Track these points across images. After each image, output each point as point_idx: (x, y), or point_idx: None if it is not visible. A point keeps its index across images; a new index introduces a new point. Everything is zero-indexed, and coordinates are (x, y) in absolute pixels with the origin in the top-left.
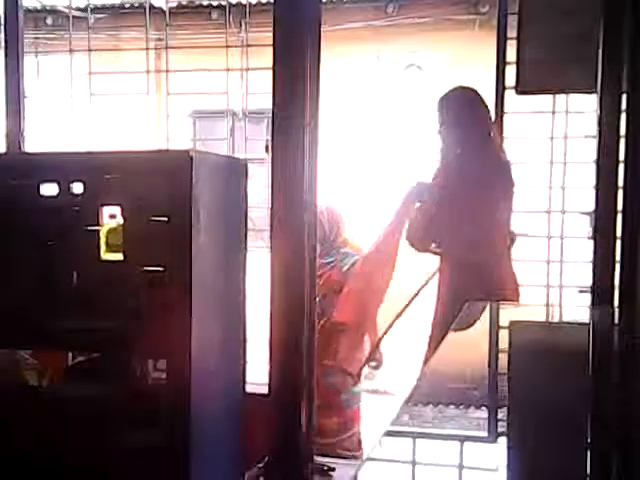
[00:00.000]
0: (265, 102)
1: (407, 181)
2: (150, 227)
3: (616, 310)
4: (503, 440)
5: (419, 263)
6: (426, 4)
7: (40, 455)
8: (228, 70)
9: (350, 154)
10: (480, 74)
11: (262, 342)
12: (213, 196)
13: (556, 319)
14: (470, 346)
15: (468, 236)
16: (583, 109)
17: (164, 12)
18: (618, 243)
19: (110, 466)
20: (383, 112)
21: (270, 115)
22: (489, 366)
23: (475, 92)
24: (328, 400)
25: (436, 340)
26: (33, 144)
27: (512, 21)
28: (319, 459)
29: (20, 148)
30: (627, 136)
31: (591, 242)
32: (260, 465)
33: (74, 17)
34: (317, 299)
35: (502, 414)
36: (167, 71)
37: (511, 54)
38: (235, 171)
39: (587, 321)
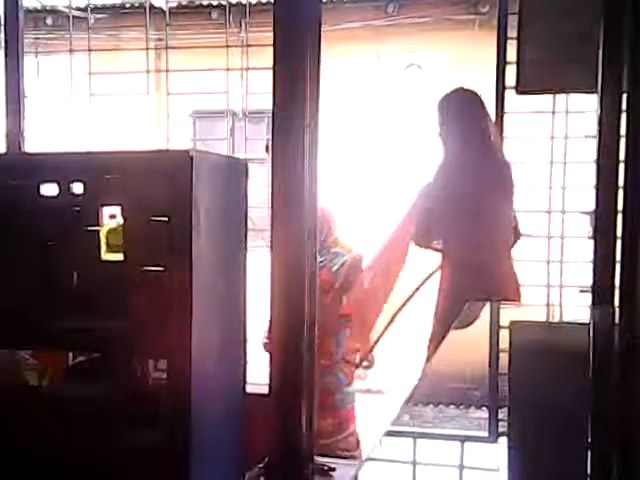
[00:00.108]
0: (265, 102)
1: (414, 182)
2: (150, 227)
3: (616, 310)
4: (504, 440)
5: (417, 263)
6: (426, 4)
7: (40, 455)
8: (228, 70)
9: (350, 154)
10: (480, 74)
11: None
12: (213, 196)
13: (556, 319)
14: (470, 346)
15: (468, 235)
16: (583, 109)
17: (164, 12)
18: (618, 243)
19: (110, 466)
20: (383, 112)
21: (270, 115)
22: (489, 366)
23: (475, 93)
24: (322, 401)
25: (437, 338)
26: (33, 144)
27: (512, 21)
28: (319, 459)
29: (20, 148)
30: (627, 136)
31: (591, 242)
32: (260, 465)
33: (74, 17)
34: None
35: (503, 414)
36: (167, 71)
37: (511, 54)
38: (235, 171)
39: (587, 321)
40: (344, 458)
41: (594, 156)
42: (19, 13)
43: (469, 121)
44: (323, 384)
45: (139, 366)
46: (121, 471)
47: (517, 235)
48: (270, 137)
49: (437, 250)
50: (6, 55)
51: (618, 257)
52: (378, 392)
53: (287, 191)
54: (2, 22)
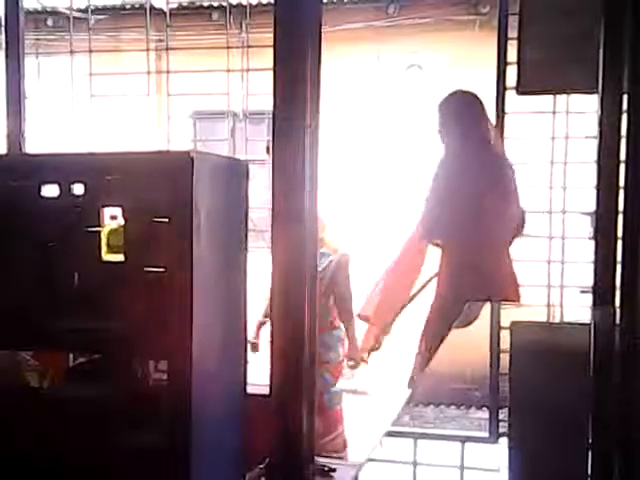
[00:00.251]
0: (266, 103)
1: (414, 182)
2: (151, 228)
3: (617, 310)
4: (504, 440)
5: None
6: (427, 5)
7: (41, 456)
8: (229, 71)
9: (350, 155)
10: (481, 74)
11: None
12: (214, 197)
13: (557, 319)
14: (471, 346)
15: (467, 235)
16: (584, 109)
17: (164, 13)
18: (619, 243)
19: (111, 467)
20: (384, 113)
21: (270, 116)
22: (490, 366)
23: (474, 95)
24: None
25: (435, 338)
26: (34, 145)
27: (512, 21)
28: (320, 460)
29: (21, 149)
30: (628, 136)
31: (592, 242)
32: (261, 466)
33: (75, 18)
34: None
35: (503, 415)
36: (168, 72)
37: (512, 54)
38: (236, 172)
39: (588, 321)
40: (332, 459)
41: (595, 156)
42: (20, 14)
43: (468, 123)
44: None
45: (140, 367)
46: (122, 472)
47: (521, 228)
48: (270, 138)
49: (439, 246)
50: (7, 56)
51: (619, 258)
52: (362, 393)
53: (288, 192)
54: (3, 23)
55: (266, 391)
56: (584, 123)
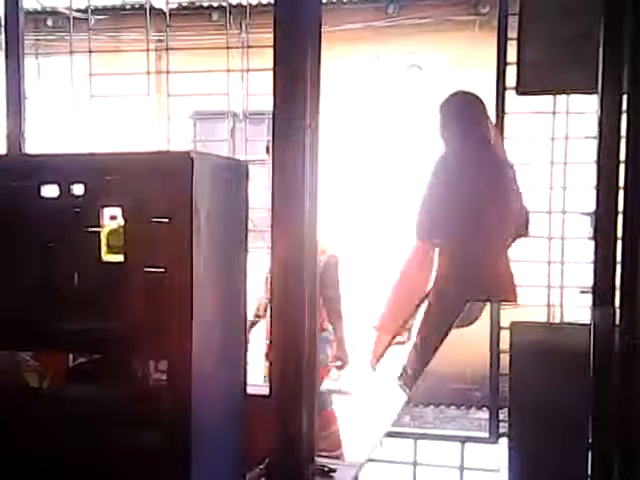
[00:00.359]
0: (265, 103)
1: (414, 182)
2: (151, 228)
3: (617, 311)
4: (504, 441)
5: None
6: (426, 5)
7: (41, 456)
8: (229, 71)
9: (349, 155)
10: (480, 75)
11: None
12: (214, 197)
13: (557, 320)
14: (471, 347)
15: (463, 234)
16: (584, 110)
17: (164, 13)
18: (619, 244)
19: (110, 467)
20: (384, 113)
21: (270, 116)
22: (490, 367)
23: (475, 96)
24: None
25: (429, 337)
26: (34, 145)
27: (512, 22)
28: (320, 460)
29: (21, 149)
30: (628, 136)
31: (592, 243)
32: (261, 466)
33: (74, 18)
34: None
35: (503, 415)
36: (168, 72)
37: (511, 55)
38: (236, 172)
39: (588, 322)
40: (327, 458)
41: (595, 156)
42: (19, 14)
43: (469, 123)
44: None
45: (140, 367)
46: (121, 472)
47: (524, 227)
48: (270, 138)
49: (436, 245)
50: (7, 56)
51: (619, 258)
52: (345, 393)
53: (288, 192)
54: (2, 23)
55: (266, 391)
56: (584, 123)
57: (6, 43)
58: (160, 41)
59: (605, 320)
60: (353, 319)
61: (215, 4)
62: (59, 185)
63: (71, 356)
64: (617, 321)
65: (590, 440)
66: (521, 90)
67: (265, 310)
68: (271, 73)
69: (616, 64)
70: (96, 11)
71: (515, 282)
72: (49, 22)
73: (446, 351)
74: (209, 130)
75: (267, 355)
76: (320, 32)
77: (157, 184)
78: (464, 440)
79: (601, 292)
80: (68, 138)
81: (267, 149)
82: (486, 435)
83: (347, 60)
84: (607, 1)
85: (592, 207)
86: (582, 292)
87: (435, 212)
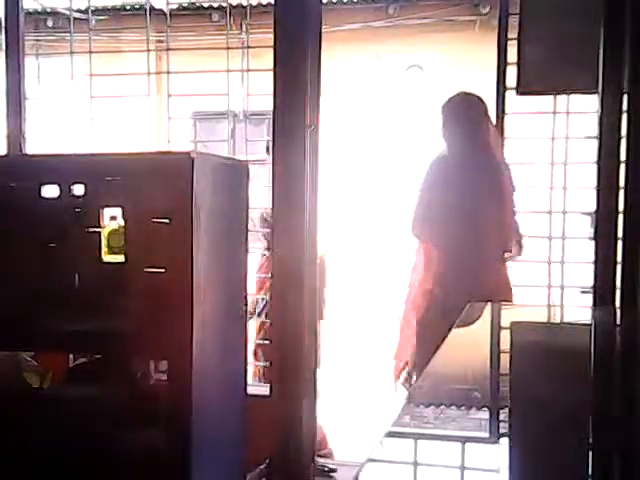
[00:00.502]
0: (266, 104)
1: (414, 182)
2: (151, 229)
3: (617, 310)
4: (505, 441)
5: None
6: (426, 5)
7: (41, 456)
8: (229, 72)
9: (351, 155)
10: (481, 75)
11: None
12: (214, 198)
13: (557, 320)
14: (471, 347)
15: (457, 235)
16: (584, 110)
17: (165, 14)
18: (619, 243)
19: (111, 467)
20: (384, 113)
21: (270, 116)
22: (490, 367)
23: (478, 98)
24: None
25: (427, 338)
26: (34, 146)
27: (513, 22)
28: (320, 460)
29: (21, 150)
30: (628, 136)
31: (592, 243)
32: (261, 466)
33: (75, 19)
34: (264, 299)
35: (504, 415)
36: (168, 73)
37: (512, 55)
38: (236, 172)
39: (588, 322)
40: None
41: (594, 157)
42: (20, 15)
43: (469, 124)
44: None
45: (140, 367)
46: (122, 472)
47: (519, 246)
48: (271, 138)
49: (433, 245)
50: (7, 57)
51: (619, 258)
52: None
53: (288, 192)
54: (3, 24)
55: (266, 391)
56: (584, 123)
57: (6, 43)
58: (160, 41)
59: (606, 320)
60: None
61: (215, 4)
62: (59, 185)
63: (71, 356)
64: (617, 321)
65: (590, 440)
66: (521, 90)
67: (255, 308)
68: (271, 73)
69: (616, 64)
70: (96, 12)
71: (510, 285)
72: (49, 22)
73: (446, 351)
74: (209, 130)
75: (255, 354)
76: (320, 32)
77: (157, 184)
78: (464, 440)
79: (601, 292)
80: (68, 139)
81: (267, 149)
82: (486, 435)
83: (347, 60)
84: (607, 1)
85: (592, 207)
86: (582, 292)
87: (431, 210)
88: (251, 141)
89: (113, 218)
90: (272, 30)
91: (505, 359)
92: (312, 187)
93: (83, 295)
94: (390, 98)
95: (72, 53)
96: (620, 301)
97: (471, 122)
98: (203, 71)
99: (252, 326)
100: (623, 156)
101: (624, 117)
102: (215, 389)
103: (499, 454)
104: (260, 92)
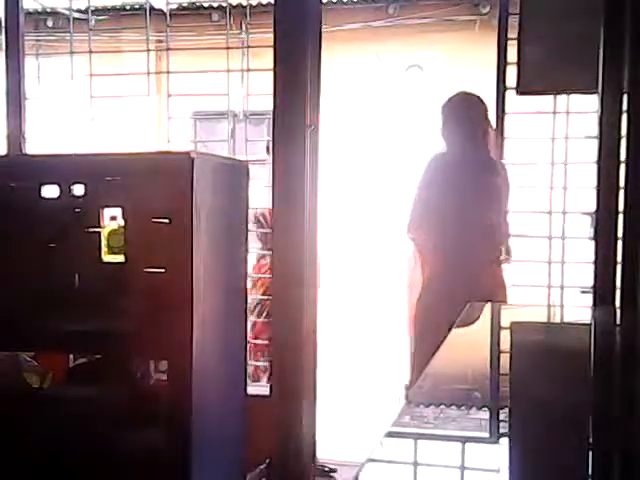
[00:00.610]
0: (265, 103)
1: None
2: (151, 229)
3: (618, 310)
4: (505, 441)
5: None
6: (427, 5)
7: (42, 457)
8: (229, 71)
9: (351, 155)
10: (481, 75)
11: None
12: (214, 197)
13: (557, 320)
14: (471, 347)
15: (446, 235)
16: (584, 109)
17: (164, 14)
18: (619, 243)
19: (111, 467)
20: (384, 113)
21: (270, 116)
22: (491, 367)
23: (477, 97)
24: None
25: (424, 338)
26: (34, 146)
27: (513, 22)
28: (321, 460)
29: (21, 150)
30: (628, 136)
31: (592, 242)
32: (261, 466)
33: (75, 19)
34: (258, 298)
35: (504, 415)
36: (168, 72)
37: (512, 55)
38: (236, 172)
39: (588, 322)
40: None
41: (594, 157)
42: (20, 15)
43: (469, 124)
44: None
45: (140, 367)
46: (122, 472)
47: (508, 249)
48: (271, 138)
49: (423, 246)
50: (7, 57)
51: (619, 258)
52: None
53: (288, 192)
54: (3, 24)
55: (266, 391)
56: (584, 123)
57: (6, 43)
58: (160, 41)
59: (606, 320)
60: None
61: (215, 4)
62: (59, 186)
63: (71, 356)
64: (617, 321)
65: (590, 440)
66: (521, 90)
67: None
68: (271, 73)
69: (616, 64)
70: (96, 11)
71: (505, 287)
72: (49, 22)
73: (446, 351)
74: (209, 130)
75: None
76: (320, 32)
77: (157, 184)
78: (464, 440)
79: (601, 292)
80: (68, 139)
81: (267, 149)
82: (487, 435)
83: (347, 60)
84: (607, 1)
85: (592, 207)
86: (582, 292)
87: (428, 210)
88: (251, 141)
89: (113, 218)
90: (272, 30)
91: (505, 359)
92: (312, 187)
93: (83, 295)
94: (390, 98)
95: (72, 53)
96: (620, 301)
97: (471, 122)
98: (203, 71)
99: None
100: (623, 156)
101: (624, 117)
102: (215, 389)
103: (499, 454)
104: (260, 92)
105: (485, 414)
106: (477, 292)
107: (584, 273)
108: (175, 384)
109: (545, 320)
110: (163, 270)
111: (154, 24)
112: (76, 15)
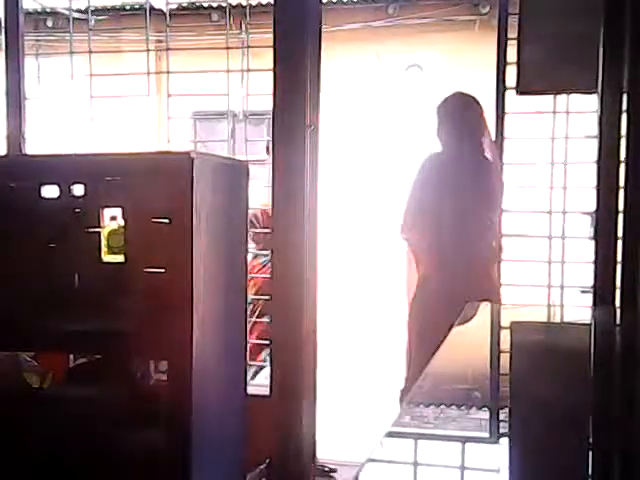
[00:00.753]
0: (265, 103)
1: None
2: (151, 229)
3: (617, 310)
4: (505, 441)
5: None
6: (427, 5)
7: (42, 457)
8: (229, 71)
9: (350, 155)
10: (480, 75)
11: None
12: (214, 197)
13: (557, 320)
14: (471, 347)
15: (444, 236)
16: (584, 109)
17: (164, 14)
18: (619, 243)
19: (111, 467)
20: (384, 113)
21: (270, 116)
22: (490, 367)
23: (472, 98)
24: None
25: (422, 340)
26: (34, 146)
27: (512, 22)
28: (321, 460)
29: (21, 150)
30: (628, 136)
31: (592, 242)
32: (261, 466)
33: (74, 19)
34: (250, 297)
35: (504, 415)
36: (168, 72)
37: (511, 55)
38: (236, 172)
39: (588, 321)
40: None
41: (594, 157)
42: (19, 15)
43: (463, 125)
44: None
45: (140, 368)
46: (122, 472)
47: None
48: (271, 138)
49: (417, 246)
50: (7, 57)
51: (619, 258)
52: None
53: (288, 192)
54: (3, 24)
55: (266, 391)
56: (584, 123)
57: (6, 43)
58: (160, 41)
59: (606, 319)
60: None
61: (215, 4)
62: (59, 186)
63: (72, 356)
64: (617, 321)
65: (590, 440)
66: (521, 90)
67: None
68: (271, 73)
69: (616, 64)
70: (96, 12)
71: (499, 288)
72: (49, 23)
73: (446, 351)
74: (209, 130)
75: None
76: (320, 32)
77: (157, 184)
78: (464, 440)
79: (601, 292)
80: (68, 139)
81: (267, 149)
82: (487, 435)
83: (347, 60)
84: (607, 1)
85: (592, 207)
86: (582, 292)
87: (421, 210)
88: (251, 141)
89: (113, 218)
90: (272, 30)
91: (505, 359)
92: (312, 187)
93: (83, 295)
94: (390, 98)
95: (72, 53)
96: (620, 301)
97: (466, 123)
98: (203, 71)
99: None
100: (623, 156)
101: (624, 117)
102: (215, 389)
103: (499, 454)
104: (260, 92)
105: (485, 414)
106: (471, 291)
107: (584, 273)
108: (175, 384)
109: (545, 320)
110: (163, 270)
111: (154, 24)
112: (76, 15)
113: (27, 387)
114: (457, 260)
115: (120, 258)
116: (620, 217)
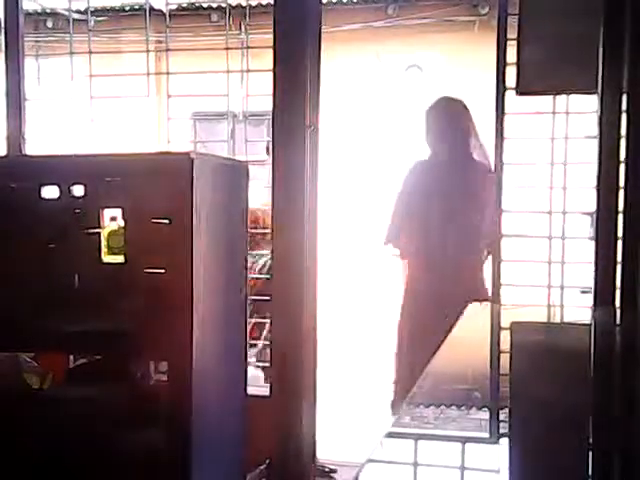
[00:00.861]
0: (265, 104)
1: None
2: (151, 229)
3: (617, 310)
4: (505, 441)
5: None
6: (426, 5)
7: (42, 457)
8: (228, 72)
9: (350, 155)
10: (480, 75)
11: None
12: (214, 198)
13: (557, 320)
14: (471, 347)
15: (432, 242)
16: (584, 109)
17: (164, 14)
18: (619, 243)
19: (111, 468)
20: (384, 113)
21: (270, 117)
22: (490, 367)
23: (460, 103)
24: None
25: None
26: (34, 147)
27: (512, 22)
28: (321, 460)
29: (21, 151)
30: (628, 136)
31: (592, 243)
32: (261, 467)
33: (74, 20)
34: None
35: (504, 415)
36: (167, 73)
37: (511, 55)
38: (236, 173)
39: (588, 322)
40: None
41: (594, 157)
42: (19, 16)
43: (450, 130)
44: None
45: (140, 368)
46: (122, 472)
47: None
48: (270, 139)
49: (404, 250)
50: (7, 57)
51: (619, 258)
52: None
53: (288, 192)
54: (2, 25)
55: (266, 391)
56: (584, 123)
57: (6, 44)
58: (160, 42)
59: (606, 320)
60: None
61: (215, 5)
62: (59, 186)
63: (72, 357)
64: (617, 321)
65: (590, 440)
66: (521, 90)
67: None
68: (271, 73)
69: (616, 64)
70: (96, 12)
71: (486, 287)
72: (49, 23)
73: (446, 351)
74: (209, 131)
75: None
76: (320, 33)
77: (157, 185)
78: (464, 440)
79: (601, 292)
80: (68, 139)
81: (267, 149)
82: (487, 435)
83: (347, 60)
84: (607, 1)
85: (592, 207)
86: (582, 292)
87: (409, 215)
88: (251, 142)
89: (113, 219)
90: (272, 30)
91: (505, 359)
92: (312, 187)
93: (83, 296)
94: (390, 98)
95: (72, 54)
96: (620, 301)
97: (455, 128)
98: (203, 72)
99: None
100: (623, 156)
101: (624, 117)
102: (215, 389)
103: (499, 454)
104: (260, 93)
105: (485, 414)
106: (459, 293)
107: (584, 273)
108: (175, 384)
109: (545, 320)
110: (163, 270)
111: (154, 25)
112: (76, 16)
113: (27, 388)
114: (445, 262)
115: (120, 259)
116: (620, 217)
